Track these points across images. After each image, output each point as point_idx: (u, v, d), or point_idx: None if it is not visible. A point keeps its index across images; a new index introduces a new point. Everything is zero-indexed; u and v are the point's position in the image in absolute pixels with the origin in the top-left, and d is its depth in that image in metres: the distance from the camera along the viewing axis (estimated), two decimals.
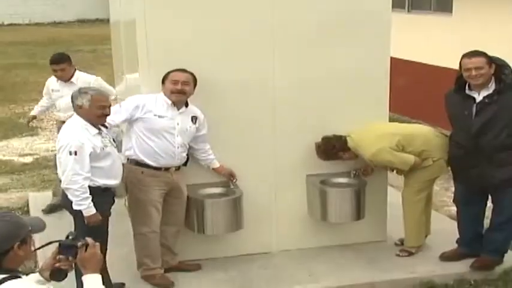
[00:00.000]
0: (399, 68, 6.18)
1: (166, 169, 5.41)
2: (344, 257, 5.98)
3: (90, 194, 4.92)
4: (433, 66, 6.07)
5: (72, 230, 4.34)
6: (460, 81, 5.55)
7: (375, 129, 5.88)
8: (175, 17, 5.58)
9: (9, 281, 2.84)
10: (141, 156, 5.36)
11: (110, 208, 5.22)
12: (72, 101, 5.07)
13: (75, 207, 4.91)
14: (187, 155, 5.55)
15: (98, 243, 3.25)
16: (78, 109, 5.02)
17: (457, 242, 5.96)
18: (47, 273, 3.18)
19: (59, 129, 6.02)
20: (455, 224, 6.03)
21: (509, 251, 5.90)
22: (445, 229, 6.28)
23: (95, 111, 5.01)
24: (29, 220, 3.24)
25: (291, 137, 5.95)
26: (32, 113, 7.96)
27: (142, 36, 5.56)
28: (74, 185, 4.86)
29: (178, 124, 5.37)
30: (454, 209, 6.09)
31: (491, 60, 5.43)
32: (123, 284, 5.51)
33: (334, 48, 5.88)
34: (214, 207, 5.57)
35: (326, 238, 6.17)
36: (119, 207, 5.63)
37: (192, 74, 5.38)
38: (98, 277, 3.17)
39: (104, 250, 4.96)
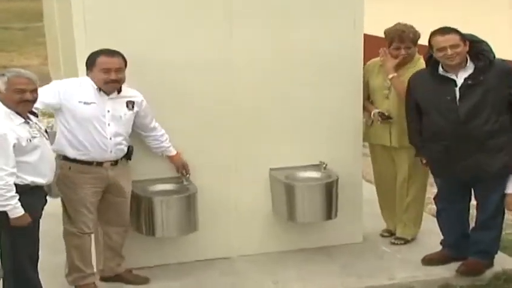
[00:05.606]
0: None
1: (99, 164, 4.25)
2: (314, 261, 4.93)
3: (17, 193, 3.86)
4: None
5: None
6: (431, 61, 4.46)
7: None
8: None
9: None
10: (67, 149, 4.25)
11: (41, 209, 4.15)
12: None
13: None
14: (130, 146, 4.37)
15: None
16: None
17: (441, 243, 4.91)
18: None
19: None
20: None
21: (499, 252, 4.81)
22: (428, 229, 5.23)
23: (12, 95, 3.99)
24: None
25: (253, 126, 4.84)
26: None
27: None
28: None
29: (108, 111, 4.23)
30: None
31: (464, 37, 4.41)
32: None
33: (306, 19, 4.74)
34: (165, 206, 4.49)
35: (293, 241, 5.10)
36: (54, 207, 4.47)
37: (122, 55, 4.24)
38: None
39: (34, 257, 4.12)
